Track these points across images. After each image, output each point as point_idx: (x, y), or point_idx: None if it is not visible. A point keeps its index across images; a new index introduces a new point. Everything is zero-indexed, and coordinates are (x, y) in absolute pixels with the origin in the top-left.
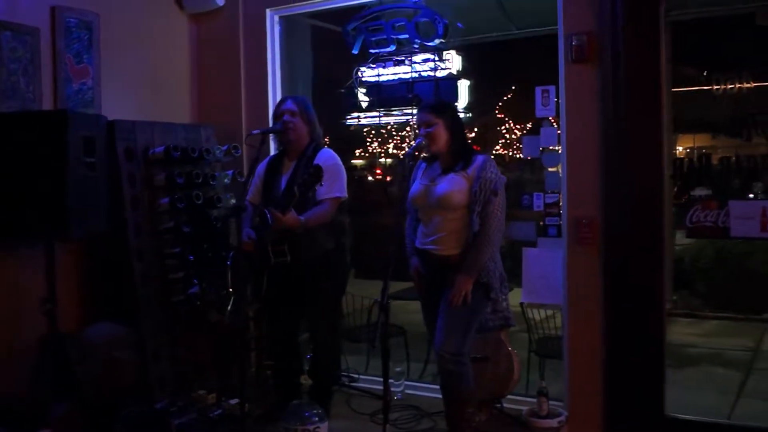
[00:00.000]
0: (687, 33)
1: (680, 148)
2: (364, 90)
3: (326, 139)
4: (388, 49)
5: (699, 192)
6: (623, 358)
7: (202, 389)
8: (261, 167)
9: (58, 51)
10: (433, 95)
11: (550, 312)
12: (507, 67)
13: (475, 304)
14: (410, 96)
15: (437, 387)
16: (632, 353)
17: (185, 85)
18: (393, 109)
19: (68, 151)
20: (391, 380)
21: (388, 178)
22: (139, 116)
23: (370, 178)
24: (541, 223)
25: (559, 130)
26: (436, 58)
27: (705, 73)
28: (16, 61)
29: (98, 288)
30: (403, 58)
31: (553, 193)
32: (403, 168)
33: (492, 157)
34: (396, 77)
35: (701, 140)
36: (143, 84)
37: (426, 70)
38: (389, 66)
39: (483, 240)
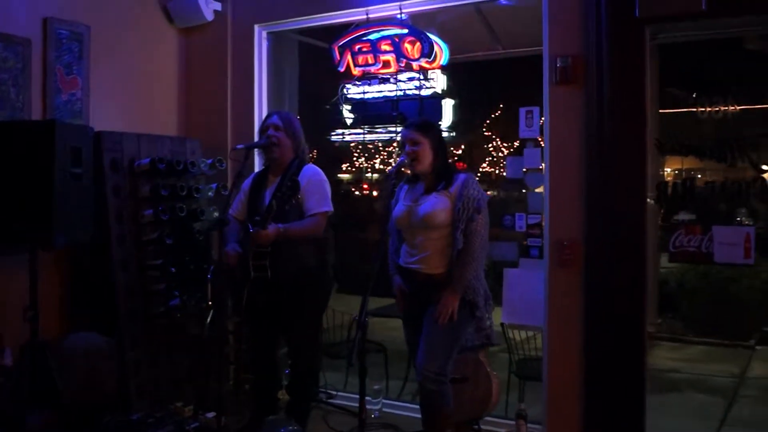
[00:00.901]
0: (675, 56)
1: (668, 170)
2: (349, 107)
3: (314, 153)
4: (373, 67)
5: (683, 216)
6: (603, 382)
7: (179, 401)
8: (246, 183)
9: (49, 62)
10: (417, 114)
11: (531, 333)
12: (494, 86)
13: (460, 323)
14: (395, 114)
15: (416, 406)
16: (613, 377)
17: (173, 98)
18: (377, 126)
19: (55, 160)
20: (368, 398)
21: (375, 193)
22: (126, 128)
23: (356, 192)
24: (525, 243)
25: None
26: (421, 77)
27: (694, 95)
28: (7, 71)
29: (80, 297)
30: (389, 76)
31: (535, 213)
32: (386, 185)
33: (477, 175)
34: (381, 95)
35: (690, 162)
36: (131, 96)
37: (411, 89)
38: (374, 83)
39: (467, 257)
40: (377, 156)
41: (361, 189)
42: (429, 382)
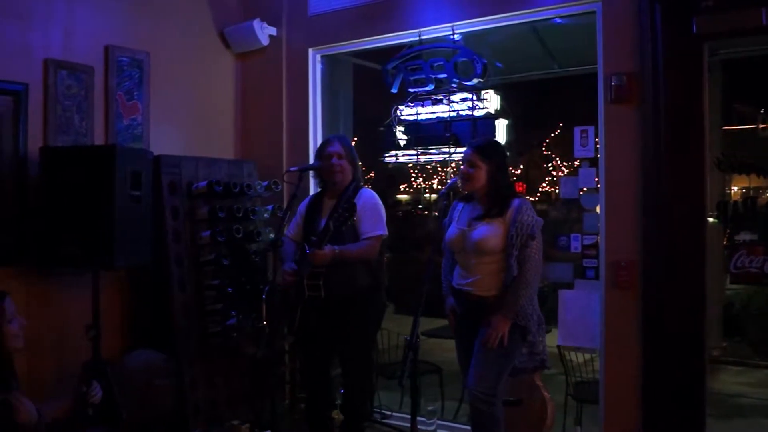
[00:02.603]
0: (740, 71)
1: (735, 188)
2: (402, 128)
3: (371, 174)
4: (426, 88)
5: (744, 236)
6: (662, 406)
7: (235, 420)
8: (302, 205)
9: (110, 88)
10: (471, 135)
11: (588, 355)
12: (550, 106)
13: (511, 347)
14: (448, 135)
15: (470, 427)
16: (672, 401)
17: (229, 122)
18: (430, 147)
19: (115, 184)
20: (423, 419)
21: (427, 213)
22: (184, 151)
23: (413, 213)
24: (581, 264)
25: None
26: (474, 98)
27: (762, 111)
28: (71, 98)
29: (139, 316)
30: (442, 97)
31: (591, 234)
32: (439, 206)
33: (537, 195)
34: (434, 116)
35: (757, 181)
36: (190, 120)
37: (464, 109)
38: (427, 105)
39: (521, 283)
40: (434, 177)
41: (417, 210)
42: (478, 402)
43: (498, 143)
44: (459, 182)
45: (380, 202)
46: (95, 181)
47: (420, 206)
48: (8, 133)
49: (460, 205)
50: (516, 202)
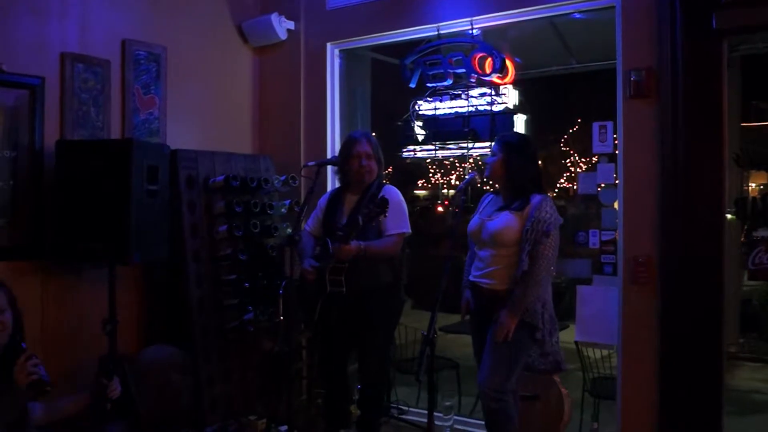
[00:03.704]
0: (760, 67)
1: (753, 185)
2: (420, 123)
3: (389, 169)
4: (445, 83)
5: (762, 233)
6: (679, 402)
7: (252, 415)
8: (323, 200)
9: (127, 82)
10: (489, 130)
11: (606, 351)
12: (569, 101)
13: (518, 343)
14: (466, 130)
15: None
16: (689, 397)
17: (247, 116)
18: (449, 142)
19: (132, 178)
20: (440, 414)
21: (439, 209)
22: (201, 146)
23: (433, 208)
24: (599, 259)
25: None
26: (493, 93)
27: None
28: (87, 91)
29: (156, 311)
30: (460, 92)
31: (609, 230)
32: (457, 201)
33: (555, 190)
34: (452, 111)
35: None
36: (207, 114)
37: (482, 104)
38: (446, 100)
39: (530, 279)
40: (453, 172)
41: (436, 205)
42: (488, 399)
43: (524, 138)
44: (476, 177)
45: (404, 199)
46: (111, 176)
47: (439, 201)
48: (25, 127)
49: (489, 198)
50: (537, 198)
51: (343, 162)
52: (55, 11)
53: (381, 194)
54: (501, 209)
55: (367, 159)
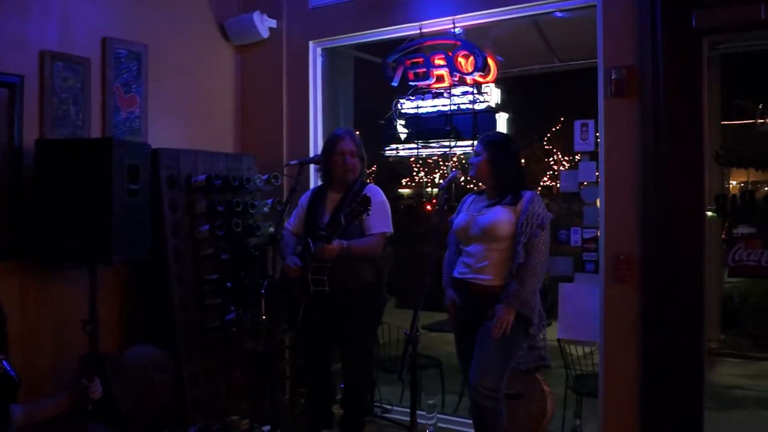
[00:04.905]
0: (739, 66)
1: (734, 182)
2: (403, 122)
3: (373, 168)
4: (427, 82)
5: (742, 230)
6: (661, 398)
7: (235, 415)
8: (304, 198)
9: (108, 81)
10: (471, 128)
11: (588, 349)
12: (551, 100)
13: (514, 338)
14: (448, 128)
15: (471, 421)
16: (670, 393)
17: (229, 115)
18: (431, 141)
19: (112, 177)
20: (423, 413)
21: (428, 207)
22: (183, 145)
23: (418, 207)
24: (582, 257)
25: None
26: (475, 91)
27: (760, 106)
28: (67, 90)
29: (137, 310)
30: (442, 91)
31: (591, 227)
32: (440, 199)
33: (538, 189)
34: (435, 109)
35: (756, 175)
36: (188, 113)
37: (465, 103)
38: (428, 98)
39: (527, 272)
40: (436, 170)
41: (421, 203)
42: (482, 398)
43: (506, 137)
44: (458, 175)
45: (386, 199)
46: (92, 174)
47: (424, 200)
48: (3, 125)
49: (471, 198)
50: (528, 194)
51: (326, 159)
52: (35, 9)
53: (363, 193)
54: (492, 204)
55: (351, 156)
